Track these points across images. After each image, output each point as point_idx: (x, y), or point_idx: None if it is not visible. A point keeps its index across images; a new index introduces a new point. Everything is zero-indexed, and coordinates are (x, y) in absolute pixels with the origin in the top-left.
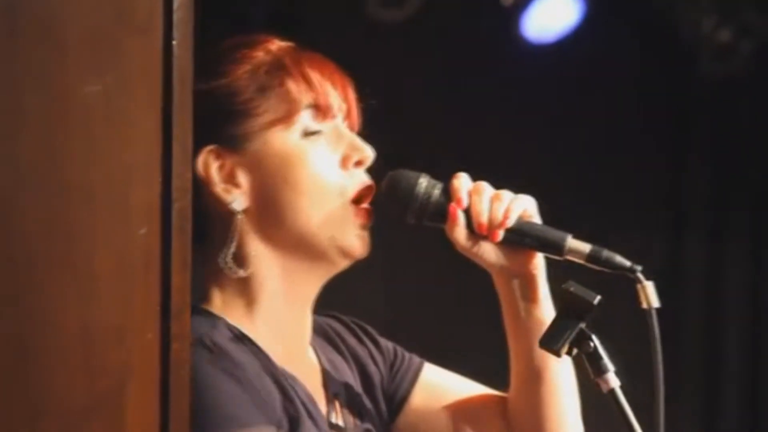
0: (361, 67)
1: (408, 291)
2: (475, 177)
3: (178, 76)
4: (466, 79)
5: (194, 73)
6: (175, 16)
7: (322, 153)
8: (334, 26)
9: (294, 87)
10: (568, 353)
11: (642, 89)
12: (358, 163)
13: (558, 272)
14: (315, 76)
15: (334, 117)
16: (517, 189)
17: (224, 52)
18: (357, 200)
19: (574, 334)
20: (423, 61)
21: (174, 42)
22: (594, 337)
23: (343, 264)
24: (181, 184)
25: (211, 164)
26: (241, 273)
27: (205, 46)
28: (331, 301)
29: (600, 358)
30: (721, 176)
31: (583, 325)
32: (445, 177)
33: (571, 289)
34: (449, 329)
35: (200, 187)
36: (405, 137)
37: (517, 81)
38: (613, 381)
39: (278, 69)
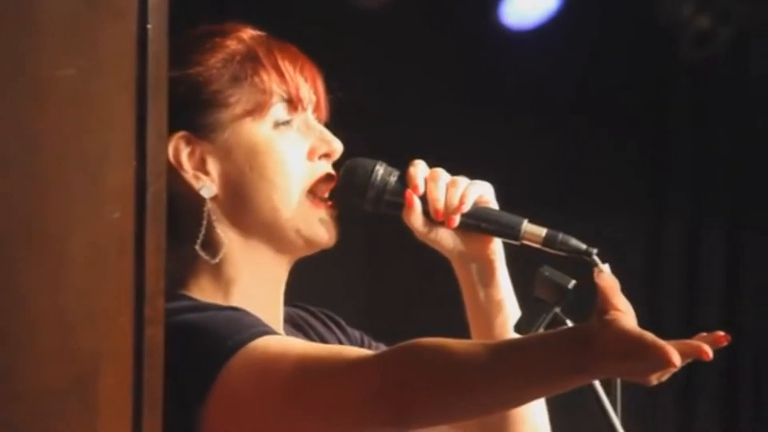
0: (338, 56)
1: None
2: (455, 165)
3: (153, 61)
4: (444, 66)
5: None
6: (150, 1)
7: (290, 144)
8: (311, 13)
9: (266, 78)
10: None
11: (621, 75)
12: (326, 156)
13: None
14: (287, 67)
15: (304, 109)
16: (496, 178)
17: (196, 40)
18: (317, 189)
19: (548, 318)
20: (398, 49)
21: (149, 26)
22: (569, 321)
23: (309, 251)
24: (155, 167)
25: (181, 150)
26: (215, 259)
27: (180, 31)
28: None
29: None
30: (700, 160)
31: (557, 310)
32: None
33: (546, 273)
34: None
35: (170, 173)
36: (382, 127)
37: (495, 68)
38: None
39: (251, 59)
